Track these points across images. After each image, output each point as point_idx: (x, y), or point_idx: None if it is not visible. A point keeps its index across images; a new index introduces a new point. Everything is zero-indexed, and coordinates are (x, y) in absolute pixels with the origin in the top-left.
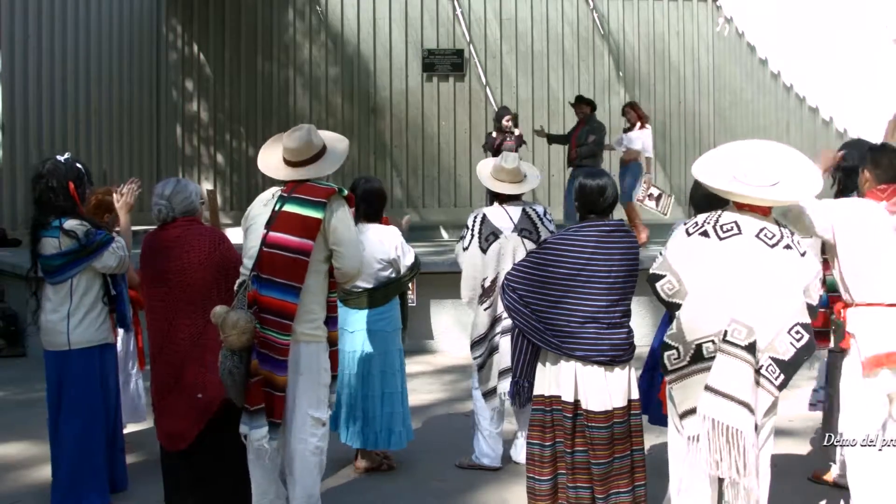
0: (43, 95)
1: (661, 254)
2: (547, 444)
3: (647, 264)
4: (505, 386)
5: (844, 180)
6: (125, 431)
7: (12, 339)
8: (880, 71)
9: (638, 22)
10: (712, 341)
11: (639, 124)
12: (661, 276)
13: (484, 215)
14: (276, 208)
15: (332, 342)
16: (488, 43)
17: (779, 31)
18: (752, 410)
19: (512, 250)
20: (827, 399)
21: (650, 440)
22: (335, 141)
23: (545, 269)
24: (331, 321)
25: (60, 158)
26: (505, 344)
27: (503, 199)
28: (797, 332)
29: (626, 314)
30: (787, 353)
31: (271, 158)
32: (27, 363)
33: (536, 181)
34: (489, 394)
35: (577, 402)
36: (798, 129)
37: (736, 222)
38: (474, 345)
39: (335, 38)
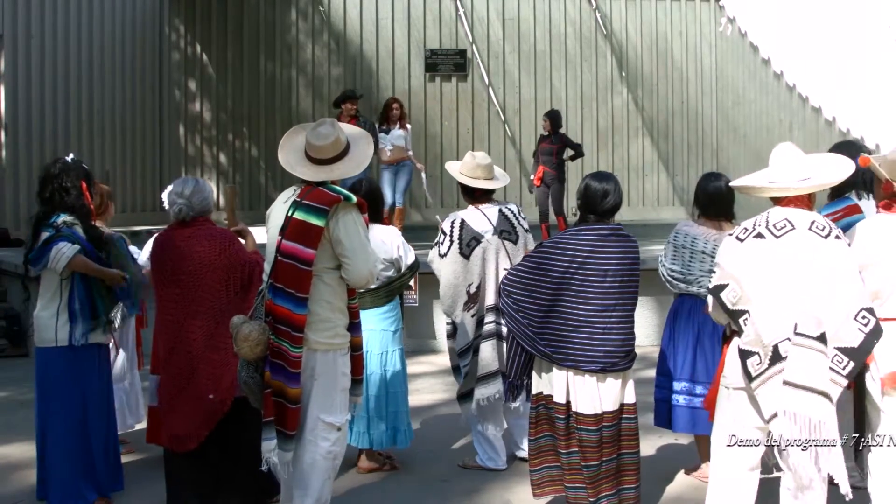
0: (46, 95)
1: (714, 269)
2: (557, 434)
3: (650, 265)
4: (483, 392)
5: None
6: (127, 431)
7: (14, 339)
8: (883, 71)
9: (640, 22)
10: (788, 339)
11: (399, 123)
12: (724, 286)
13: (463, 220)
14: (290, 213)
15: (356, 347)
16: (491, 43)
17: (781, 31)
18: (832, 401)
19: (495, 253)
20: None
21: (651, 442)
22: (357, 137)
23: (540, 272)
24: (353, 326)
25: (68, 159)
26: (486, 349)
27: (478, 198)
28: (864, 318)
29: (624, 319)
30: (855, 340)
31: (293, 153)
32: (30, 363)
33: (506, 178)
34: (464, 396)
35: (568, 404)
36: (801, 129)
37: (787, 219)
38: (462, 353)
39: (338, 38)
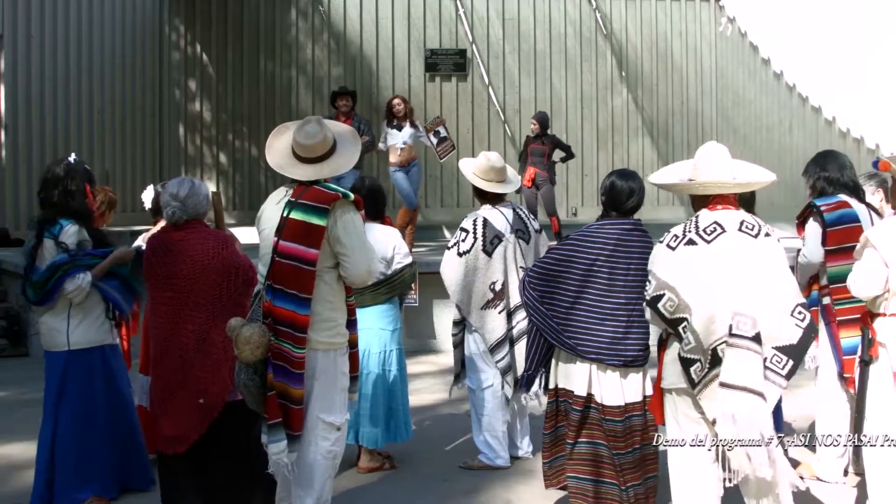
0: (46, 95)
1: (649, 279)
2: (569, 425)
3: None
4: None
5: (823, 187)
6: None
7: (15, 340)
8: (883, 71)
9: (640, 22)
10: (725, 342)
11: (408, 121)
12: (661, 296)
13: (485, 219)
14: (285, 214)
15: (353, 344)
16: (491, 43)
17: (781, 30)
18: (766, 401)
19: (513, 251)
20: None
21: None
22: (344, 134)
23: (564, 265)
24: (350, 324)
25: (70, 160)
26: (523, 347)
27: (490, 200)
28: (799, 313)
29: (643, 315)
30: (793, 337)
31: (281, 154)
32: (30, 363)
33: (518, 181)
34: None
35: (590, 396)
36: (800, 128)
37: (716, 222)
38: (495, 349)
39: (338, 37)
